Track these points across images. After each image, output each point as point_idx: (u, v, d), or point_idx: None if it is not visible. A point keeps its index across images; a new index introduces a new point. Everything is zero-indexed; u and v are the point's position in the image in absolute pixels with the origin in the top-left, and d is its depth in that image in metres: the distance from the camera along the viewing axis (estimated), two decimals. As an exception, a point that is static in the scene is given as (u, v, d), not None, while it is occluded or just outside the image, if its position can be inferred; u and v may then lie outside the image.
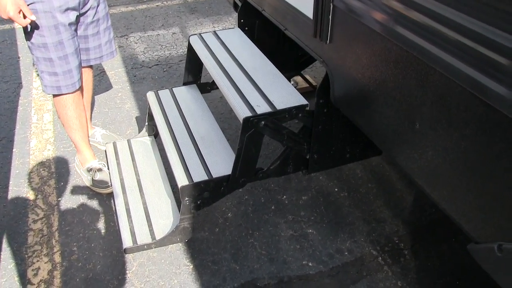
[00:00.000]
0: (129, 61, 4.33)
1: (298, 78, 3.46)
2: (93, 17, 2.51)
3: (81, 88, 2.63)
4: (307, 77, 3.46)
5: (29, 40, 2.33)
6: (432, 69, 1.29)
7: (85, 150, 2.75)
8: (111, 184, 2.64)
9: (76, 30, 2.44)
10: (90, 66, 2.82)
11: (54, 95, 2.52)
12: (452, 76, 1.21)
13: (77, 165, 2.86)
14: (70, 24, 2.34)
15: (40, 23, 2.26)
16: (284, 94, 2.13)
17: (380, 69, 1.55)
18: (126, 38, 4.82)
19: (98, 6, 2.52)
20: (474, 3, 1.09)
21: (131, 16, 5.45)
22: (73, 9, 2.34)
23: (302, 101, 2.06)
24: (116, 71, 4.16)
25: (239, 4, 2.74)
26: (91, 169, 2.73)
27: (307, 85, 3.38)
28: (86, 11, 2.46)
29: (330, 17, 1.77)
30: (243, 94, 2.13)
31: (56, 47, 2.34)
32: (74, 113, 2.59)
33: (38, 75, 2.49)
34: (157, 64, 4.20)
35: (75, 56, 2.43)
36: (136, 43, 4.71)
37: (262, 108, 2.00)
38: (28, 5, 2.19)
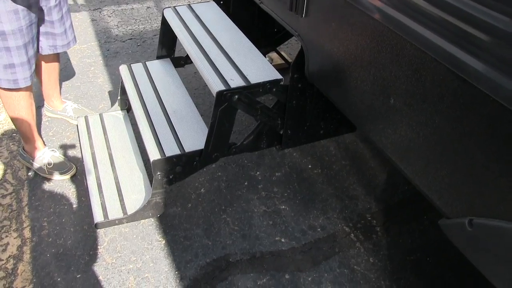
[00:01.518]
0: (102, 35, 4.23)
1: (273, 55, 3.43)
2: (56, 0, 2.37)
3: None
4: (283, 53, 3.43)
5: None
6: (408, 43, 1.28)
7: (37, 139, 2.59)
8: (71, 165, 2.60)
9: (36, 15, 2.27)
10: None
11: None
12: (427, 50, 1.20)
13: (24, 158, 2.67)
14: (29, 7, 2.17)
15: None
16: (259, 68, 2.10)
17: (355, 43, 1.54)
18: (100, 12, 4.70)
19: None
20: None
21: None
22: None
23: (276, 75, 2.04)
24: (88, 44, 4.06)
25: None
26: (44, 157, 2.60)
27: (283, 61, 3.35)
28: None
29: (306, -10, 1.75)
30: (217, 68, 2.09)
31: (15, 35, 2.15)
32: (25, 103, 2.42)
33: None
34: (131, 39, 4.12)
35: (32, 44, 2.27)
36: (110, 16, 4.60)
37: (236, 82, 1.97)
38: None
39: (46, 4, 2.32)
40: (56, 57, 2.70)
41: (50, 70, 2.76)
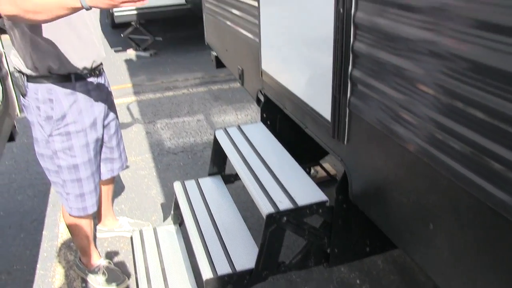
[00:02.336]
0: (155, 147, 4.51)
1: (318, 168, 3.57)
2: (115, 128, 2.61)
3: None
4: (326, 165, 3.56)
5: (55, 164, 2.34)
6: (442, 175, 1.37)
7: (93, 252, 2.76)
8: (124, 278, 2.72)
9: (101, 145, 2.52)
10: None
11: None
12: (460, 183, 1.29)
13: (80, 268, 2.82)
14: (97, 140, 2.43)
15: (72, 144, 2.31)
16: (305, 189, 2.22)
17: (394, 171, 1.65)
18: (154, 124, 5.05)
19: (116, 116, 2.64)
20: (479, 121, 1.19)
21: (158, 103, 5.73)
22: (100, 122, 2.43)
23: (322, 197, 2.15)
24: (142, 157, 4.34)
25: (262, 100, 2.91)
26: (99, 268, 2.74)
27: (326, 174, 3.48)
28: (109, 122, 2.56)
29: (347, 120, 1.90)
30: (265, 189, 2.23)
31: (86, 166, 2.38)
32: (86, 222, 2.61)
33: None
34: (182, 151, 4.37)
35: (98, 172, 2.50)
36: (163, 129, 4.93)
37: (284, 204, 2.09)
38: (58, 128, 2.26)
39: (108, 132, 2.57)
40: (112, 179, 2.93)
41: (106, 192, 2.97)
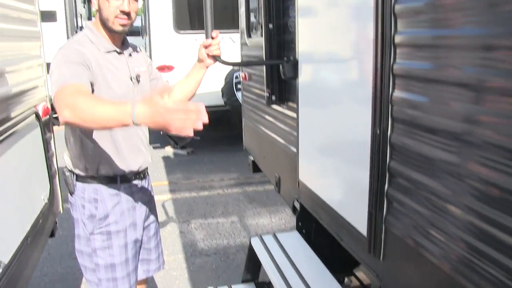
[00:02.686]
0: (189, 248, 4.53)
1: (351, 277, 3.50)
2: (154, 230, 2.66)
3: None
4: (360, 274, 3.49)
5: (93, 262, 2.37)
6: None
7: None
8: None
9: (140, 245, 2.56)
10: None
11: None
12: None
13: None
14: (136, 240, 2.47)
15: (112, 243, 2.36)
16: (339, 303, 2.20)
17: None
18: (188, 224, 5.11)
19: (156, 218, 2.69)
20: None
21: (193, 202, 5.82)
22: (140, 224, 2.49)
23: (357, 312, 2.12)
24: (175, 256, 4.35)
25: (298, 208, 2.95)
26: None
27: (360, 284, 3.40)
28: (149, 224, 2.61)
29: (383, 236, 1.91)
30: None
31: (123, 266, 2.41)
32: None
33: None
34: (216, 253, 4.38)
35: (134, 272, 2.51)
36: (197, 229, 4.97)
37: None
38: (100, 227, 2.33)
39: (147, 234, 2.63)
40: (146, 279, 2.93)
41: None
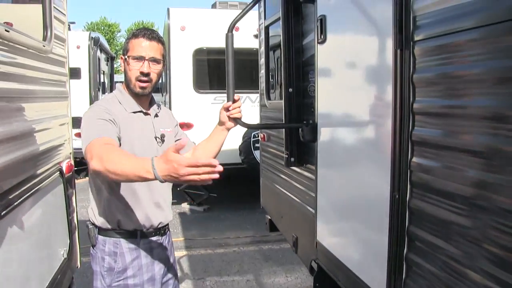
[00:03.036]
0: (203, 306, 4.48)
1: None
2: (173, 286, 2.62)
3: None
4: None
5: None
6: None
7: None
8: None
9: None
10: None
11: None
12: None
13: None
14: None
15: None
16: None
17: None
18: (203, 281, 5.06)
19: (176, 275, 2.65)
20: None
21: (209, 259, 5.79)
22: (158, 279, 2.46)
23: None
24: (190, 316, 4.30)
25: (316, 269, 2.95)
26: None
27: None
28: (168, 280, 2.58)
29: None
30: None
31: None
32: None
33: None
34: (231, 312, 4.33)
35: None
36: (212, 287, 4.93)
37: None
38: (118, 280, 2.34)
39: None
40: None
41: None
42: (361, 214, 2.26)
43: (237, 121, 2.51)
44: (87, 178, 11.13)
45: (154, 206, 2.44)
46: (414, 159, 1.76)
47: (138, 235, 2.42)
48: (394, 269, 1.90)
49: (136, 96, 2.36)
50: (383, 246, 1.94)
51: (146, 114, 2.41)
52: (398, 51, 1.79)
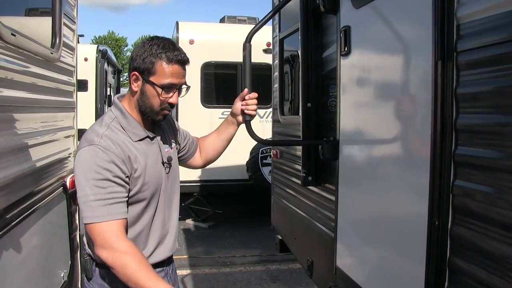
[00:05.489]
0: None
1: None
2: None
3: None
4: None
5: None
6: None
7: None
8: None
9: None
10: None
11: None
12: None
13: None
14: None
15: None
16: None
17: None
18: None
19: None
20: None
21: (214, 279, 5.60)
22: None
23: None
24: None
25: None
26: None
27: None
28: None
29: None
30: None
31: None
32: None
33: None
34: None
35: None
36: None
37: None
38: None
39: None
40: None
41: None
42: (391, 241, 2.08)
43: (247, 123, 2.31)
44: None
45: (162, 241, 2.18)
46: (457, 182, 1.59)
47: None
48: (431, 304, 1.72)
49: (144, 119, 2.05)
50: (419, 279, 1.76)
51: (152, 138, 2.10)
52: (439, 62, 1.62)
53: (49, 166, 2.60)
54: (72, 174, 3.07)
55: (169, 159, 2.17)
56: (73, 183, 2.98)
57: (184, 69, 2.00)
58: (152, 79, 1.93)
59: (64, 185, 2.85)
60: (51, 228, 2.67)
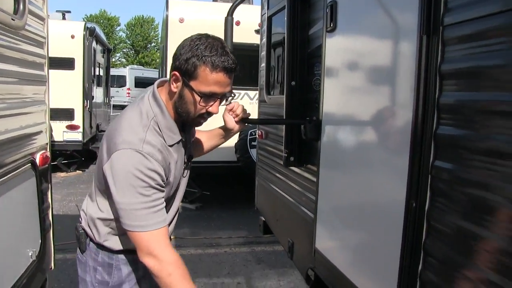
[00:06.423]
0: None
1: None
2: None
3: None
4: None
5: None
6: None
7: None
8: None
9: None
10: None
11: None
12: None
13: None
14: None
15: None
16: None
17: None
18: (191, 282, 4.83)
19: None
20: None
21: (199, 259, 5.58)
22: None
23: None
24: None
25: (312, 278, 2.72)
26: None
27: None
28: None
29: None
30: None
31: None
32: None
33: None
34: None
35: None
36: (200, 289, 4.70)
37: None
38: None
39: None
40: None
41: None
42: (369, 222, 2.02)
43: (246, 120, 2.17)
44: (77, 172, 10.93)
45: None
46: (437, 163, 1.53)
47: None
48: (406, 286, 1.67)
49: (178, 119, 1.91)
50: (394, 261, 1.71)
51: (184, 141, 2.00)
52: (425, 37, 1.55)
53: (14, 141, 2.48)
54: (43, 151, 2.96)
55: (190, 158, 2.11)
56: (44, 159, 2.86)
57: (231, 78, 1.80)
58: (192, 84, 1.76)
59: (33, 162, 2.73)
60: (17, 206, 2.56)
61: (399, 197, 1.66)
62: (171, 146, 1.89)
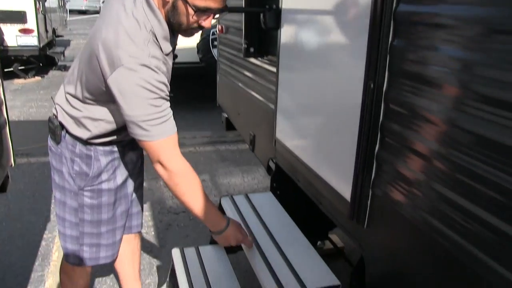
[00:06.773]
0: (156, 205, 4.35)
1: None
2: (138, 178, 2.44)
3: None
4: (334, 237, 3.38)
5: (78, 217, 2.20)
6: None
7: None
8: None
9: (131, 200, 2.39)
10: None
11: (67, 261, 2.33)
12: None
13: None
14: (125, 195, 2.31)
15: (101, 201, 2.20)
16: (316, 271, 2.05)
17: (417, 260, 1.50)
18: (156, 182, 4.90)
19: (143, 172, 2.49)
20: None
21: (163, 159, 5.59)
22: (131, 179, 2.32)
23: (334, 281, 1.98)
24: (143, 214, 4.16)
25: (273, 169, 2.77)
26: None
27: (332, 246, 3.29)
28: (140, 179, 2.44)
29: (369, 202, 1.75)
30: (271, 268, 2.06)
31: (108, 221, 2.26)
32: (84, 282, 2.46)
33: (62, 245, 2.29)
34: (184, 211, 4.20)
35: (122, 229, 2.37)
36: (165, 187, 4.72)
37: (291, 287, 1.91)
38: (92, 185, 2.14)
39: (134, 184, 2.40)
40: (137, 242, 2.74)
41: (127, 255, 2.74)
42: (329, 107, 2.02)
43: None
44: (36, 78, 10.56)
45: None
46: (396, 42, 1.50)
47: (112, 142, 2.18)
48: (363, 168, 1.72)
49: (170, 27, 1.90)
50: (351, 143, 1.73)
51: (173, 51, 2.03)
52: None
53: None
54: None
55: (174, 58, 2.12)
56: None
57: None
58: None
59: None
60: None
61: (358, 79, 1.65)
62: (167, 55, 1.92)
